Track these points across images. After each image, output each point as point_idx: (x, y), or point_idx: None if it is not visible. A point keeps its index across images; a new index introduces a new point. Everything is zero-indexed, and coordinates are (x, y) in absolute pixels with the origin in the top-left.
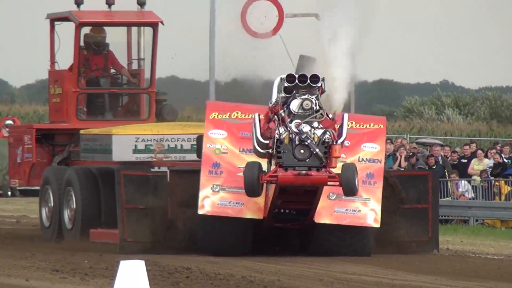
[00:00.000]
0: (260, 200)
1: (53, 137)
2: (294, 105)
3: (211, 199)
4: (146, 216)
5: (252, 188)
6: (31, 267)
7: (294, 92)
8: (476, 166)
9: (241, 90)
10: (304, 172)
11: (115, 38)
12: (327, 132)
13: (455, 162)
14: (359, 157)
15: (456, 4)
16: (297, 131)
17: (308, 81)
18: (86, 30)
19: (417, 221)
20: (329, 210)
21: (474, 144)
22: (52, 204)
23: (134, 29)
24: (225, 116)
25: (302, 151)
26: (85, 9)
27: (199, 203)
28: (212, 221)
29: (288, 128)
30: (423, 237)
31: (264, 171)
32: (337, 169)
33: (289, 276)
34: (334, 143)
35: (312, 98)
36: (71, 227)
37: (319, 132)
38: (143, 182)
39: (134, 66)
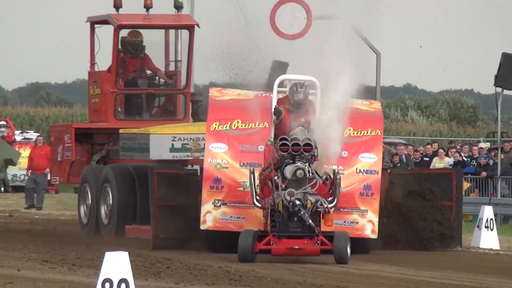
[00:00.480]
0: (260, 214)
1: (92, 136)
2: (288, 172)
3: (213, 214)
4: (178, 213)
5: (245, 257)
6: (22, 258)
7: (287, 160)
8: (437, 164)
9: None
10: (296, 247)
11: (153, 40)
12: (320, 201)
13: (417, 160)
14: (356, 169)
15: (420, 11)
16: (290, 201)
17: (301, 150)
18: (123, 33)
19: (441, 218)
20: (328, 222)
21: (435, 144)
22: (90, 202)
23: (172, 31)
24: (226, 127)
25: (295, 220)
26: (123, 12)
27: (201, 218)
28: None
29: (282, 198)
30: (447, 233)
31: (261, 235)
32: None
33: (263, 266)
34: (327, 212)
35: (305, 166)
36: (107, 223)
37: (313, 199)
38: (176, 180)
39: (172, 67)
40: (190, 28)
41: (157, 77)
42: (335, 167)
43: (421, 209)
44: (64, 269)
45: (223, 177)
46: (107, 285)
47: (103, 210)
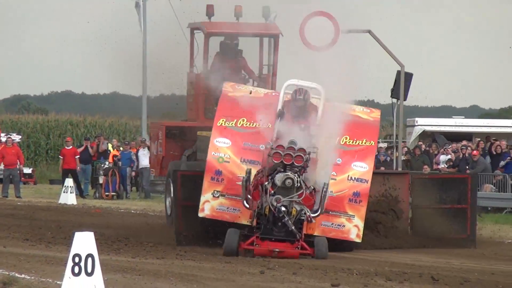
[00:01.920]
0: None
1: (185, 134)
2: (278, 180)
3: (211, 204)
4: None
5: (230, 254)
6: (7, 237)
7: (279, 168)
8: None
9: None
10: (277, 250)
11: (249, 45)
12: (304, 210)
13: None
14: (348, 176)
15: None
16: (276, 207)
17: (293, 161)
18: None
19: (456, 220)
20: (316, 223)
21: None
22: (173, 195)
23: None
24: (232, 124)
25: (279, 224)
26: (216, 20)
27: (200, 206)
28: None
29: (269, 203)
30: (462, 234)
31: (246, 235)
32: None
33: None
34: (309, 221)
35: (294, 176)
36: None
37: (298, 207)
38: (199, 182)
39: (265, 71)
40: (275, 37)
41: (251, 80)
42: (326, 180)
43: (438, 210)
44: (42, 246)
45: (224, 170)
46: (76, 259)
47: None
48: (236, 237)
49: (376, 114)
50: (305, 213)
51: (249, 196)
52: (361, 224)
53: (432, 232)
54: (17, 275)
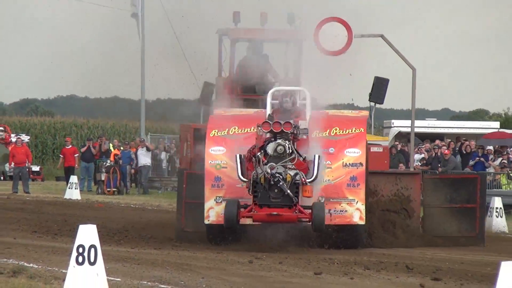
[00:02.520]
0: None
1: None
2: (270, 148)
3: (215, 210)
4: (202, 209)
5: (231, 224)
6: (17, 229)
7: (270, 136)
8: None
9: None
10: (275, 213)
11: (274, 50)
12: (298, 174)
13: None
14: (343, 162)
15: None
16: (271, 173)
17: (282, 128)
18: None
19: (466, 219)
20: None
21: None
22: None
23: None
24: (224, 133)
25: (275, 191)
26: (242, 26)
27: (205, 214)
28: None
29: (263, 170)
30: (471, 233)
31: (244, 206)
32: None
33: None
34: (304, 184)
35: (286, 143)
36: None
37: (292, 172)
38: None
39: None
40: (299, 42)
41: (277, 84)
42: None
43: (448, 209)
44: (49, 238)
45: (223, 175)
46: (80, 249)
47: None
48: (235, 207)
49: (364, 113)
50: (300, 176)
51: (243, 169)
52: (362, 207)
53: (442, 230)
54: (25, 264)
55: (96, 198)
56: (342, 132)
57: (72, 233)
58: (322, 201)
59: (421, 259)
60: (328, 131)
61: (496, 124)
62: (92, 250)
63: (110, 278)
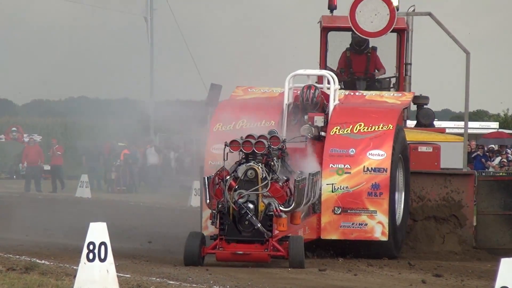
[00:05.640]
0: None
1: None
2: (240, 172)
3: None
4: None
5: (191, 262)
6: (29, 227)
7: (241, 158)
8: None
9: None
10: (241, 252)
11: (384, 41)
12: (272, 204)
13: None
14: (364, 167)
15: None
16: (237, 203)
17: (253, 148)
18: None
19: None
20: (335, 225)
21: None
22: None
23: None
24: (229, 127)
25: (246, 223)
26: (338, 14)
27: (203, 224)
28: None
29: (226, 198)
30: None
31: (215, 236)
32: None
33: None
34: (277, 215)
35: (258, 166)
36: None
37: (266, 201)
38: None
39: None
40: (401, 32)
41: (385, 79)
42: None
43: (501, 217)
44: (60, 235)
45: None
46: (91, 246)
47: None
48: (198, 241)
49: (407, 97)
50: (274, 207)
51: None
52: (385, 220)
53: (495, 242)
54: (37, 261)
55: (107, 196)
56: (367, 129)
57: (82, 231)
58: (339, 212)
59: (422, 257)
60: (350, 127)
61: (495, 125)
62: (103, 247)
63: (120, 274)
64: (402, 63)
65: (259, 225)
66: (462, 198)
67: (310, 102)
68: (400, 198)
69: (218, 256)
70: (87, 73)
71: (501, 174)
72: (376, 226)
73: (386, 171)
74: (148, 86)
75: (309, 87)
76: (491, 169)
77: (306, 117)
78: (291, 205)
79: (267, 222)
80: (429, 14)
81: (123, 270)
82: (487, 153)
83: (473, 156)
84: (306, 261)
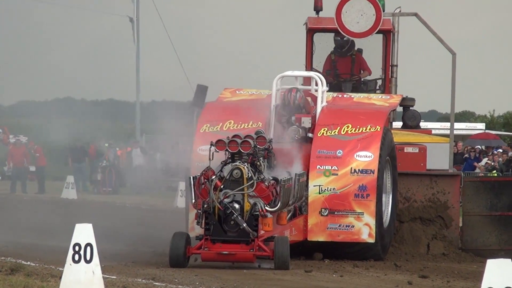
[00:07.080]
0: None
1: None
2: (226, 171)
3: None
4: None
5: (176, 262)
6: (15, 228)
7: (227, 158)
8: None
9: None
10: (226, 252)
11: (369, 42)
12: (257, 204)
13: None
14: (351, 169)
15: None
16: (222, 202)
17: (239, 147)
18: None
19: (507, 229)
20: (322, 227)
21: None
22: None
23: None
24: (216, 128)
25: (231, 223)
26: (326, 16)
27: (189, 225)
28: None
29: (211, 197)
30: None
31: (200, 236)
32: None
33: None
34: (263, 215)
35: (244, 166)
36: None
37: (252, 201)
38: None
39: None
40: (386, 33)
41: (370, 81)
42: (287, 173)
43: (487, 218)
44: (46, 236)
45: None
46: (76, 248)
47: None
48: (183, 241)
49: (395, 99)
50: (259, 206)
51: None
52: (372, 222)
53: (481, 243)
54: (23, 262)
55: (92, 197)
56: (355, 130)
57: (68, 232)
58: (325, 214)
59: (408, 259)
60: (338, 129)
61: (482, 126)
62: (88, 248)
63: (105, 275)
64: (388, 65)
65: (244, 225)
66: (448, 199)
67: (292, 104)
68: (388, 200)
69: (203, 256)
70: (74, 74)
71: (488, 175)
72: (363, 228)
73: (373, 173)
74: (134, 86)
75: (290, 90)
76: (477, 170)
77: (293, 118)
78: (277, 205)
79: (253, 222)
80: (415, 14)
81: (109, 272)
82: (478, 155)
83: (464, 157)
84: (292, 262)
